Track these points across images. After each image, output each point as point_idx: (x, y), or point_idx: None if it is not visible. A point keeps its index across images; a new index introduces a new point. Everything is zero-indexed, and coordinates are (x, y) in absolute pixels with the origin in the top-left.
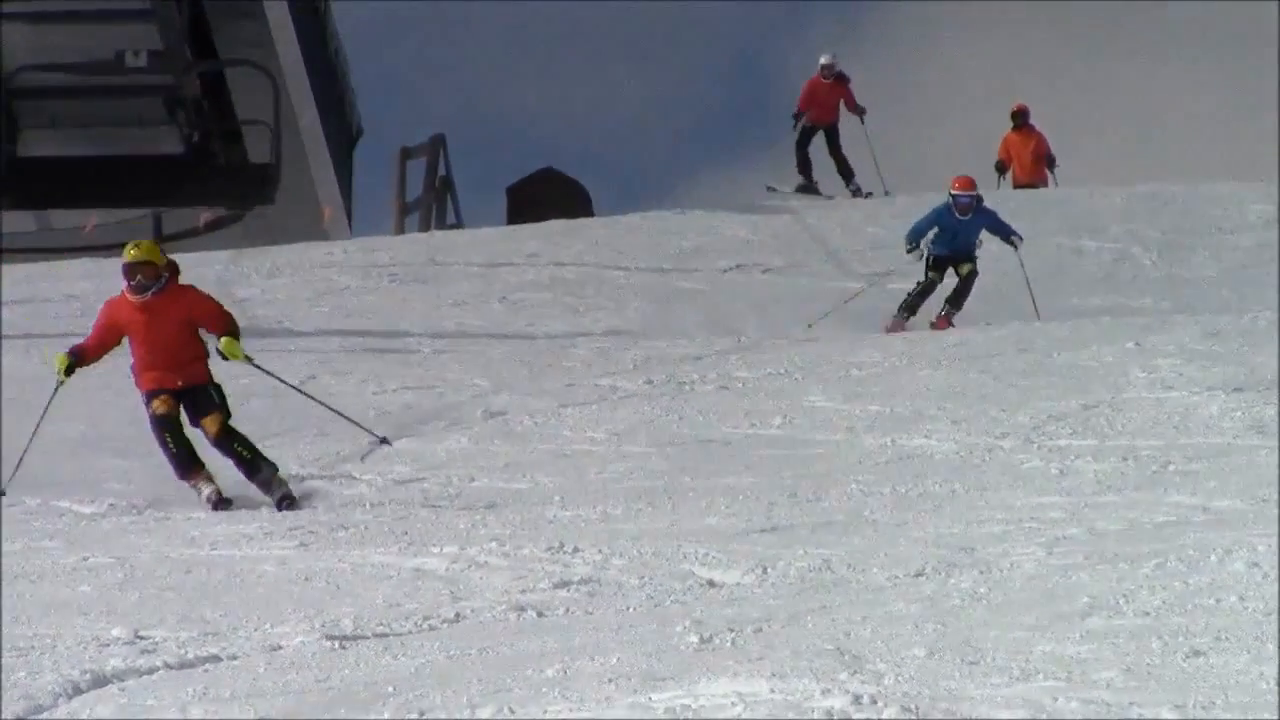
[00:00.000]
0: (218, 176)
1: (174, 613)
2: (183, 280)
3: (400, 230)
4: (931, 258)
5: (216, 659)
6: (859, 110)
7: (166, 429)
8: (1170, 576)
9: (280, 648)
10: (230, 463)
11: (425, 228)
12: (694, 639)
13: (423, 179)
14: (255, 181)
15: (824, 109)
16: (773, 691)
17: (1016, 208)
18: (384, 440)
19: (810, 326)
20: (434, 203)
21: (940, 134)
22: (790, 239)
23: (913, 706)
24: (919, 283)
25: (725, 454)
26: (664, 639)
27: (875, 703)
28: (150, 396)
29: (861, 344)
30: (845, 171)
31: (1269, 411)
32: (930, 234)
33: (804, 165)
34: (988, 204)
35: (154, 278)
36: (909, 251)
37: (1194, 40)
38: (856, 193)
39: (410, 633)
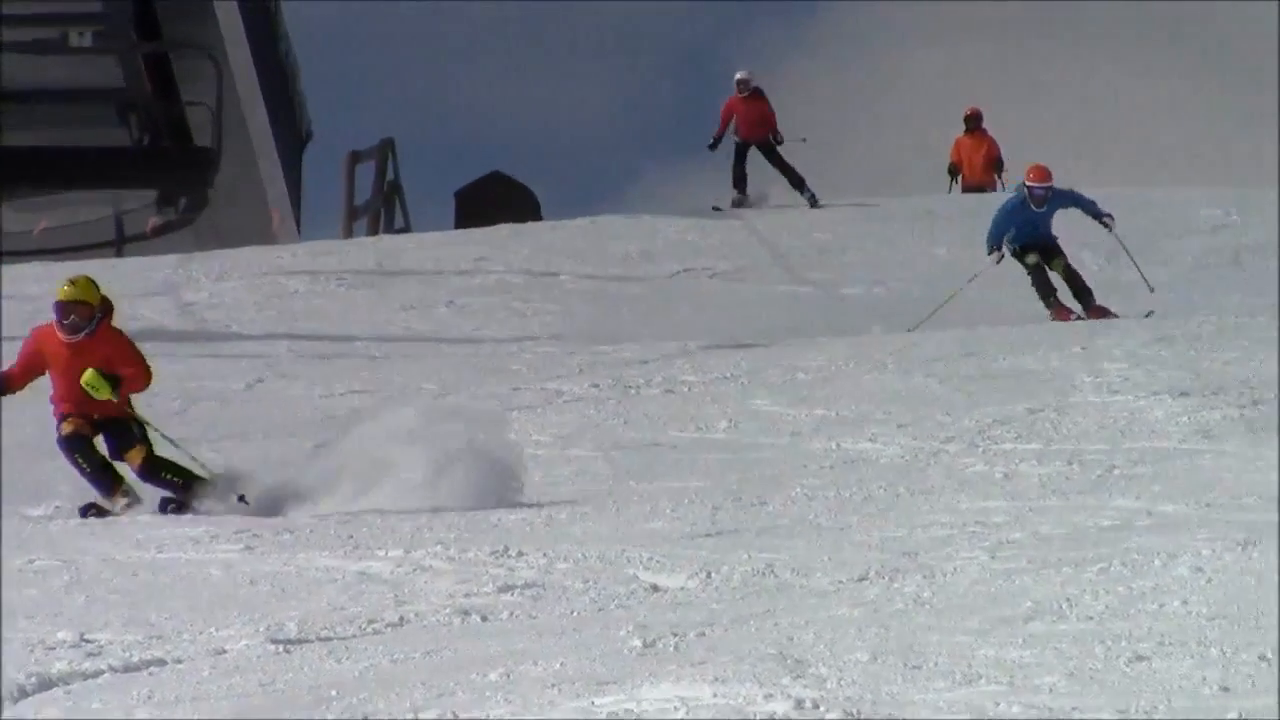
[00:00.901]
0: (159, 160)
1: (120, 616)
2: (115, 317)
3: (348, 234)
4: (1015, 249)
5: (162, 662)
6: (778, 137)
7: (75, 449)
8: (1114, 581)
9: (225, 651)
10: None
11: (373, 232)
12: (637, 643)
13: (371, 183)
14: (196, 165)
15: (750, 125)
16: (715, 696)
17: (966, 211)
18: (241, 499)
19: (910, 331)
20: (382, 207)
21: (889, 136)
22: (737, 244)
23: (855, 711)
24: (1029, 276)
25: (670, 458)
26: (607, 643)
27: (818, 707)
28: (62, 418)
29: (807, 348)
30: (795, 181)
31: (1214, 416)
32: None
33: (739, 180)
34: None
35: (87, 318)
36: (990, 254)
37: (1144, 45)
38: (813, 201)
39: (354, 636)
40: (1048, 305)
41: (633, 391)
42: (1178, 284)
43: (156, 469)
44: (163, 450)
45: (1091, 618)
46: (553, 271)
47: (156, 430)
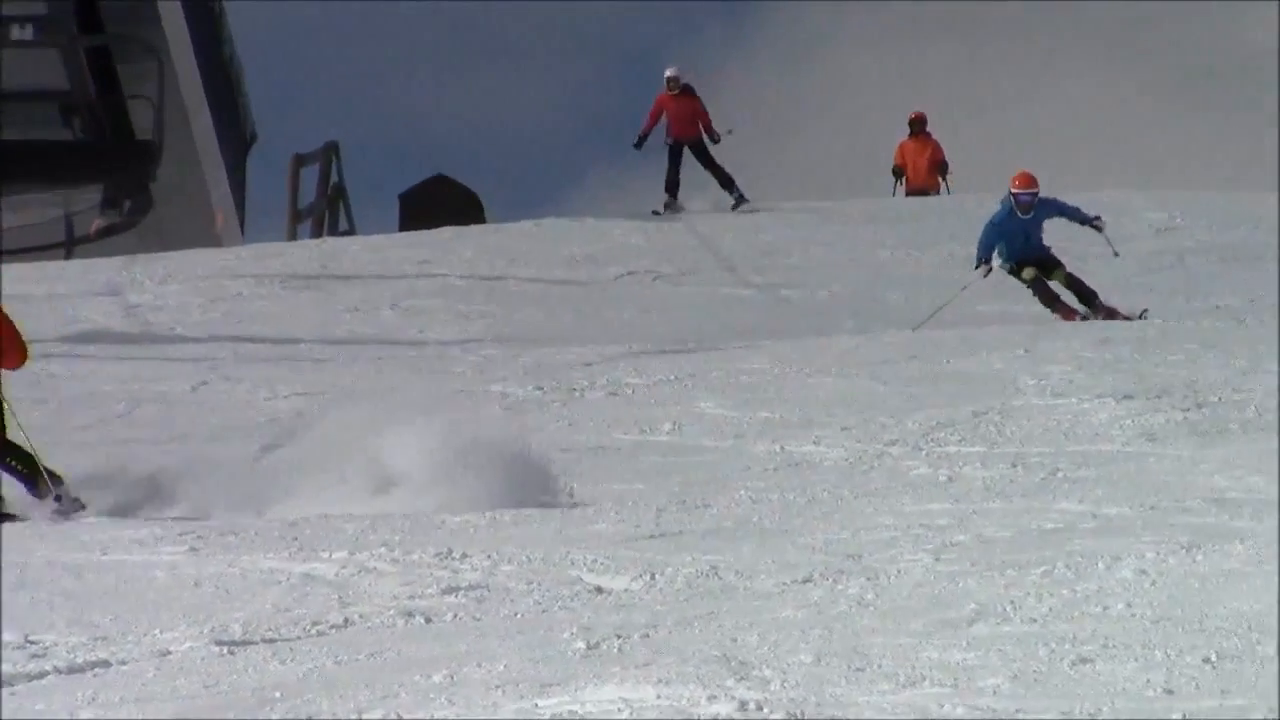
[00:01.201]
0: (100, 154)
1: (64, 617)
2: (5, 303)
3: (293, 236)
4: (1010, 266)
5: (106, 664)
6: (714, 135)
7: None
8: (1058, 583)
9: (169, 653)
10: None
11: (318, 234)
12: (581, 645)
13: (316, 185)
14: (138, 158)
15: (681, 123)
16: (659, 697)
17: (910, 213)
18: (64, 502)
19: (915, 330)
20: (327, 209)
21: (833, 139)
22: (682, 246)
23: (799, 712)
24: (1030, 289)
25: (615, 460)
26: (551, 645)
27: (761, 709)
28: None
29: (751, 351)
30: (725, 181)
31: (1158, 419)
32: (999, 246)
33: (672, 185)
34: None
35: None
36: (977, 268)
37: (1088, 49)
38: (740, 201)
39: (299, 638)
40: (1054, 311)
41: (577, 394)
42: (1122, 287)
43: (4, 453)
44: (16, 435)
45: (1035, 620)
46: (497, 274)
47: (15, 417)
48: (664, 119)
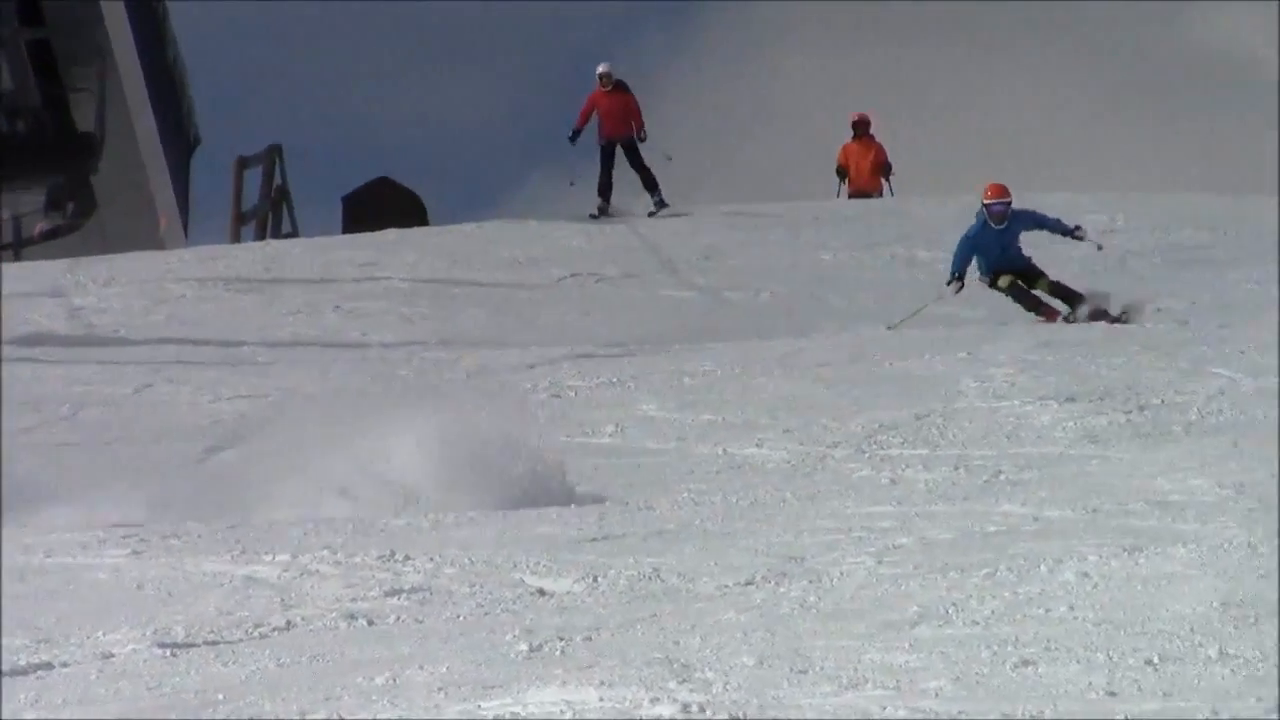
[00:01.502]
0: (41, 147)
1: (6, 619)
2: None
3: (236, 239)
4: (987, 279)
5: (49, 666)
6: (641, 131)
7: None
8: (1000, 586)
9: (112, 655)
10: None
11: (261, 237)
12: (524, 647)
13: (259, 188)
14: (79, 150)
15: (614, 120)
16: (602, 700)
17: (853, 216)
18: None
19: (891, 328)
20: (270, 212)
21: (776, 141)
22: (624, 248)
23: (741, 714)
24: (1009, 296)
25: (557, 462)
26: (494, 647)
27: (704, 711)
28: None
29: (693, 353)
30: (649, 183)
31: (1101, 421)
32: (977, 260)
33: (605, 188)
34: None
35: None
36: (949, 284)
37: (1029, 50)
38: (660, 205)
39: (241, 640)
40: (1037, 313)
41: (519, 396)
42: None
43: None
44: None
45: (978, 622)
46: (440, 276)
47: None
48: (596, 117)
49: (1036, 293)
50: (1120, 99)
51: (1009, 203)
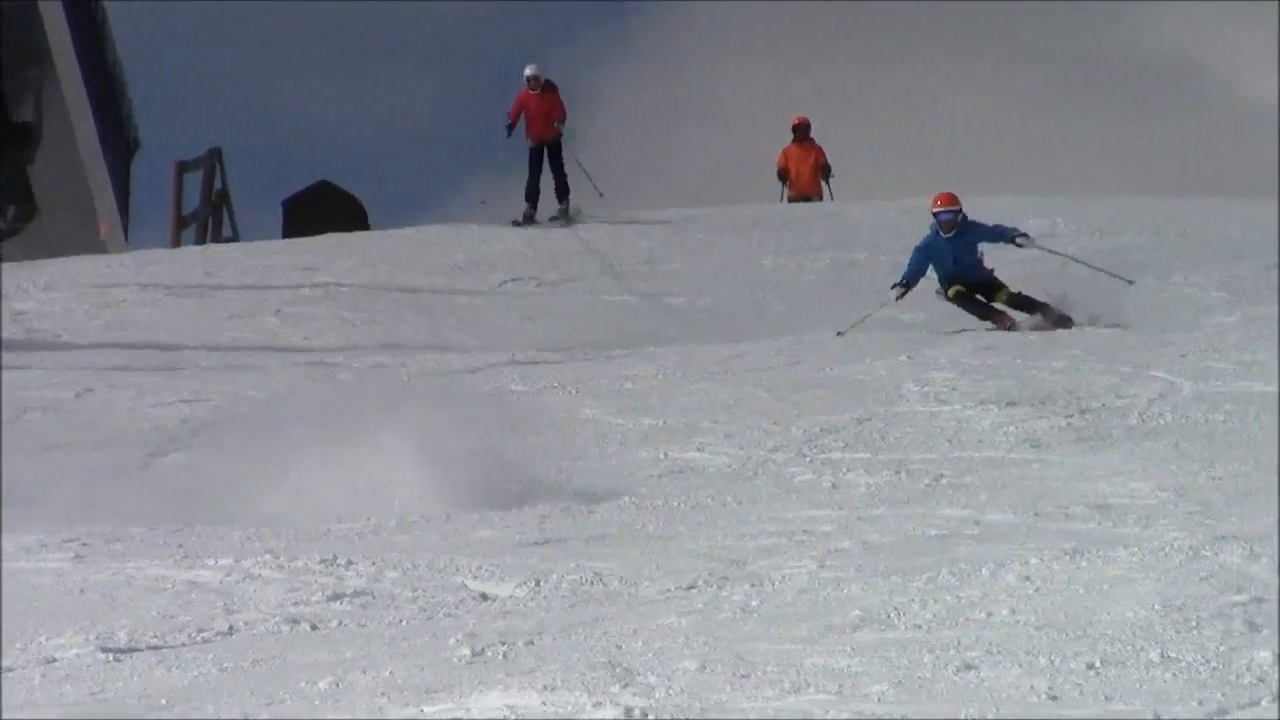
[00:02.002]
0: None
1: None
2: None
3: (177, 243)
4: (944, 288)
5: None
6: (559, 125)
7: None
8: (942, 590)
9: (55, 660)
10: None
11: (202, 241)
12: (466, 652)
13: (200, 192)
14: (15, 140)
15: (542, 121)
16: (544, 704)
17: (794, 220)
18: None
19: (841, 334)
20: (210, 216)
21: (715, 144)
22: (565, 253)
23: (684, 719)
24: (959, 306)
25: (498, 467)
26: (436, 652)
27: (647, 715)
28: None
29: (634, 357)
30: (561, 190)
31: (1042, 425)
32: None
33: (532, 193)
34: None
35: None
36: (894, 287)
37: (968, 53)
38: (561, 215)
39: (184, 645)
40: (992, 322)
41: (460, 401)
42: None
43: None
44: None
45: (920, 626)
46: (380, 281)
47: None
48: (524, 118)
49: (995, 304)
50: (1059, 102)
51: (957, 211)
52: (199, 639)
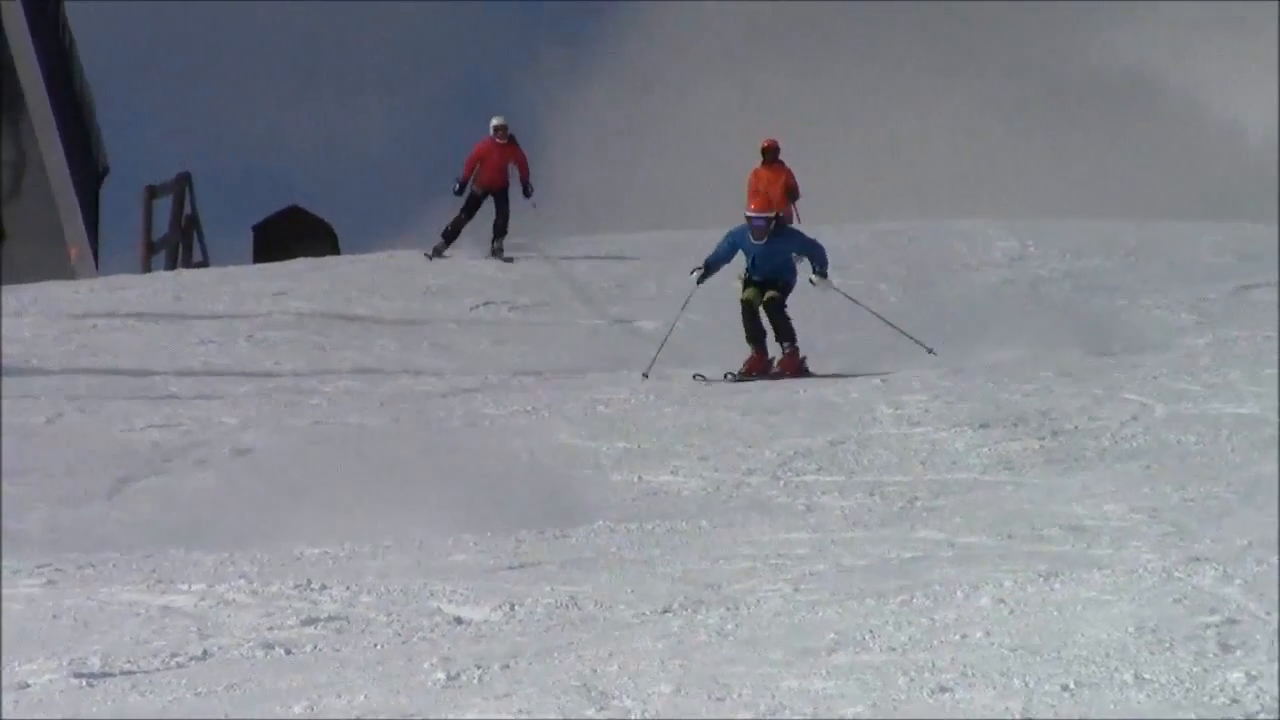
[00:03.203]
0: None
1: None
2: None
3: (147, 268)
4: (746, 281)
5: None
6: (528, 188)
7: None
8: (916, 612)
9: (28, 685)
10: None
11: (172, 266)
12: (441, 676)
13: (169, 217)
14: None
15: (495, 172)
16: None
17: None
18: None
19: (645, 377)
20: (180, 241)
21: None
22: (537, 277)
23: None
24: (741, 308)
25: (473, 491)
26: (412, 676)
27: None
28: None
29: (608, 381)
30: (501, 227)
31: (1015, 447)
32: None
33: (453, 233)
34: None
35: None
36: (692, 272)
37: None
38: (499, 252)
39: (158, 670)
40: (750, 356)
41: (434, 425)
42: (976, 315)
43: None
44: None
45: (894, 649)
46: (351, 305)
47: None
48: (478, 167)
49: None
50: (1027, 124)
51: (769, 217)
52: (173, 664)
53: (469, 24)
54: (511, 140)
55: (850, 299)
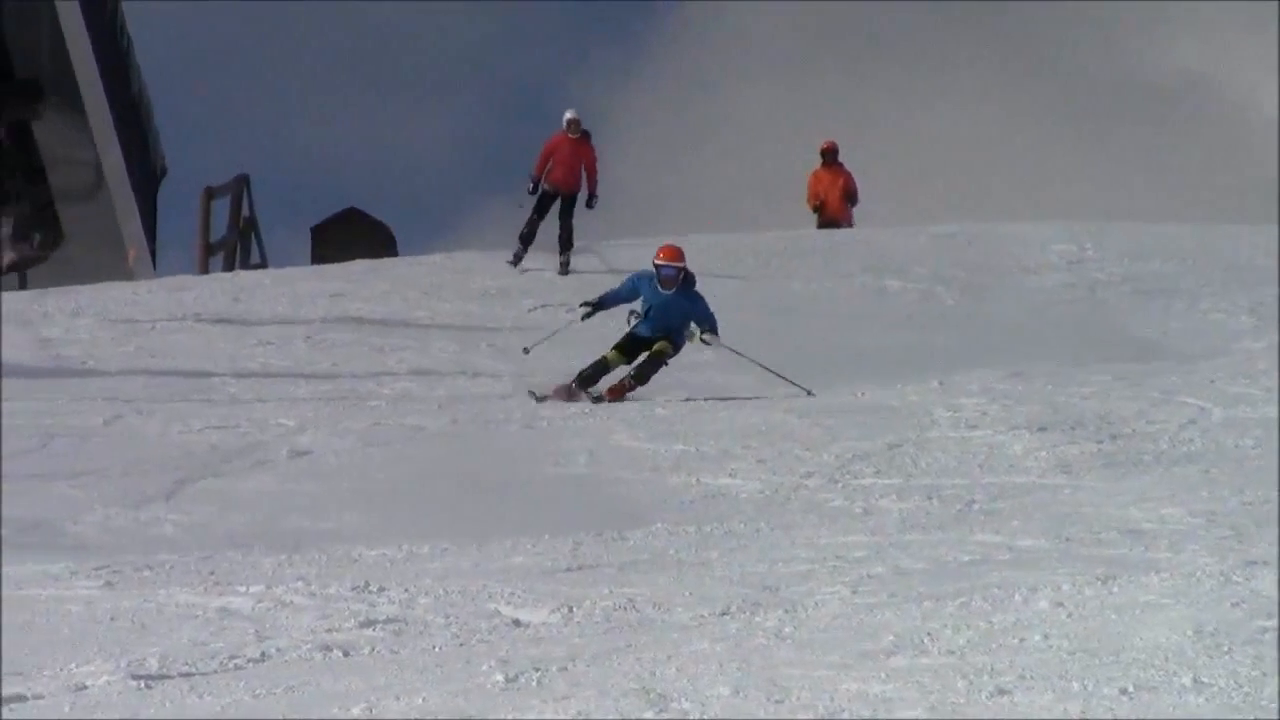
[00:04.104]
0: None
1: None
2: None
3: (205, 270)
4: (627, 336)
5: (22, 698)
6: (594, 196)
7: None
8: (975, 615)
9: (86, 687)
10: None
11: (230, 267)
12: (500, 678)
13: (227, 218)
14: (22, 95)
15: (568, 171)
16: None
17: (821, 246)
18: None
19: (527, 350)
20: (238, 242)
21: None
22: (594, 280)
23: None
24: (603, 356)
25: (531, 493)
26: (470, 678)
27: None
28: None
29: (666, 383)
30: (566, 241)
31: (1073, 451)
32: (638, 305)
33: (529, 237)
34: (698, 287)
35: None
36: (580, 306)
37: (992, 80)
38: (565, 267)
39: (216, 672)
40: (574, 380)
41: (492, 427)
42: (1032, 319)
43: None
44: None
45: (953, 652)
46: (410, 307)
47: None
48: (550, 162)
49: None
50: (1083, 126)
51: (680, 269)
52: (230, 666)
53: (522, 25)
54: (585, 136)
55: (734, 351)
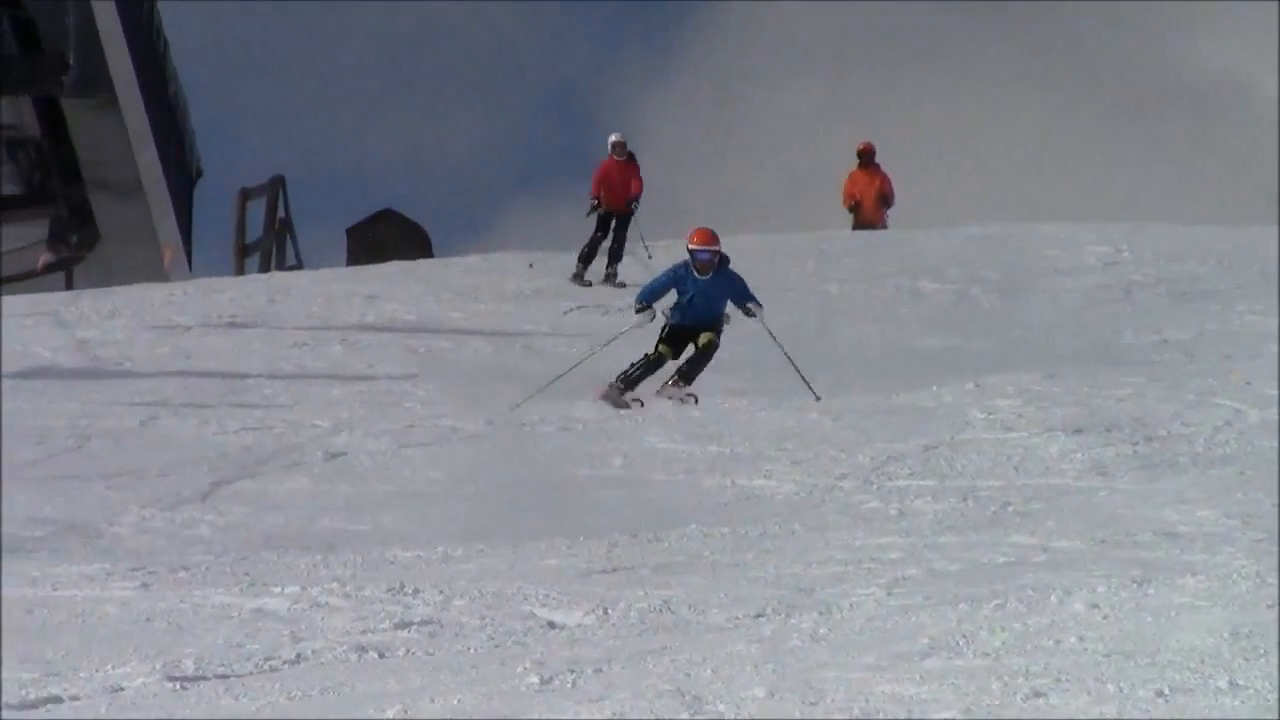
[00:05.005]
0: (8, 68)
1: (15, 653)
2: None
3: (240, 271)
4: (667, 327)
5: (58, 700)
6: (635, 199)
7: None
8: (1010, 617)
9: (122, 689)
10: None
11: (265, 269)
12: (535, 680)
13: (263, 220)
14: (48, 69)
15: (619, 192)
16: None
17: (857, 248)
18: None
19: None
20: (274, 244)
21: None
22: (629, 281)
23: None
24: (646, 355)
25: (566, 495)
26: (505, 680)
27: None
28: None
29: (700, 385)
30: (617, 253)
31: (1108, 453)
32: (669, 297)
33: (588, 256)
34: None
35: None
36: (638, 312)
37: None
38: (612, 278)
39: (251, 673)
40: (614, 380)
41: (527, 429)
42: (1067, 320)
43: None
44: None
45: (988, 654)
46: (445, 309)
47: None
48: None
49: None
50: (1118, 128)
51: (715, 251)
52: (266, 667)
53: (555, 26)
54: (631, 158)
55: (770, 333)
